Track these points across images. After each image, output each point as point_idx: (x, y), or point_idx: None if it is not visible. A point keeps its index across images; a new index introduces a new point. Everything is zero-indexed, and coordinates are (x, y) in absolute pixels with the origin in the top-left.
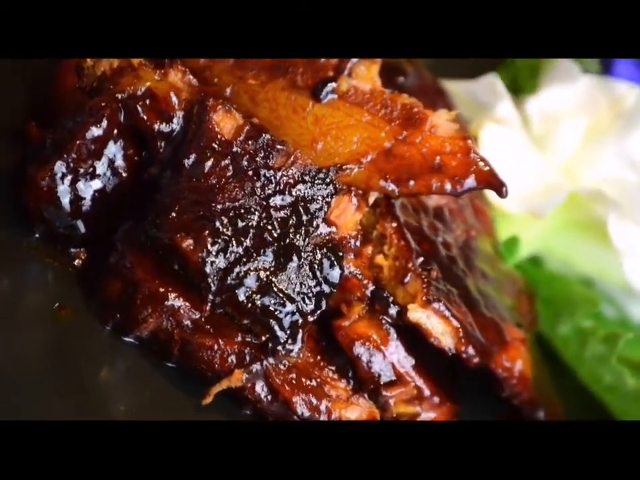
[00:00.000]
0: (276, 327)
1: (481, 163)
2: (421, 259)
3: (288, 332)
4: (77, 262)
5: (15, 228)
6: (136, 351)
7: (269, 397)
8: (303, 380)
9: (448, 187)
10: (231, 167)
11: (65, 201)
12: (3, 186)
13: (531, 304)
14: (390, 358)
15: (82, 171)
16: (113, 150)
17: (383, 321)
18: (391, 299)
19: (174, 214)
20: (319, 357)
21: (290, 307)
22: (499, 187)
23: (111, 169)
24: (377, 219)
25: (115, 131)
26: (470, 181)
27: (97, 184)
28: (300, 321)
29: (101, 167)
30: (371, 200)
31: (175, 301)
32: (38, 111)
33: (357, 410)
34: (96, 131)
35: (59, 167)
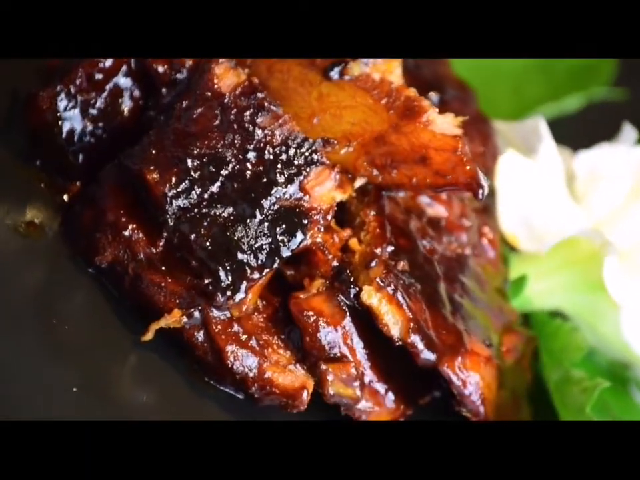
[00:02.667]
0: (220, 272)
1: (466, 163)
2: (392, 248)
3: (231, 279)
4: (69, 194)
5: (20, 154)
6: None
7: (206, 345)
8: (244, 336)
9: (429, 180)
10: (218, 118)
11: (62, 126)
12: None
13: (525, 345)
14: (337, 336)
15: (82, 99)
16: (119, 87)
17: (340, 300)
18: (352, 279)
19: (152, 149)
20: (270, 324)
21: (240, 256)
22: (477, 188)
23: (114, 105)
24: (363, 207)
25: (125, 68)
26: (451, 178)
27: (96, 116)
28: (247, 272)
29: (102, 100)
30: (357, 184)
31: (132, 233)
32: None
33: (290, 377)
34: (101, 62)
35: (60, 90)
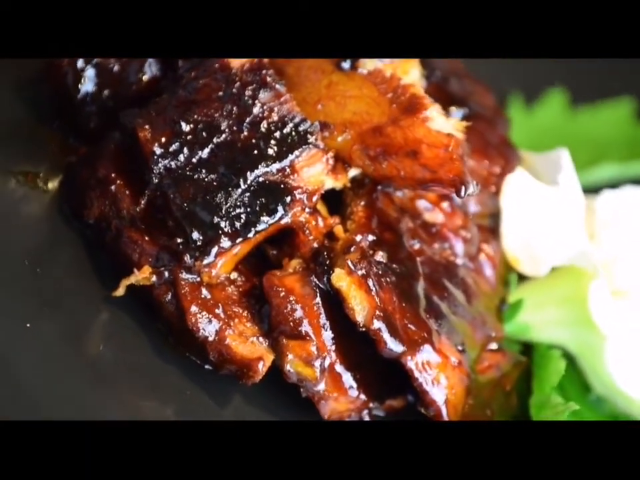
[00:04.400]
0: (193, 233)
1: (454, 161)
2: (374, 238)
3: (202, 241)
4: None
5: (40, 114)
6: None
7: (172, 305)
8: (211, 302)
9: (416, 174)
10: (222, 89)
11: (80, 87)
12: None
13: (511, 367)
14: (304, 315)
15: (99, 61)
16: None
17: (313, 281)
18: (327, 262)
19: (152, 111)
20: (244, 299)
21: (215, 221)
22: (460, 186)
23: (132, 73)
24: (355, 198)
25: None
26: (437, 175)
27: (113, 82)
28: (220, 238)
29: (119, 66)
30: (351, 174)
31: (118, 189)
32: None
33: (250, 348)
34: None
35: None
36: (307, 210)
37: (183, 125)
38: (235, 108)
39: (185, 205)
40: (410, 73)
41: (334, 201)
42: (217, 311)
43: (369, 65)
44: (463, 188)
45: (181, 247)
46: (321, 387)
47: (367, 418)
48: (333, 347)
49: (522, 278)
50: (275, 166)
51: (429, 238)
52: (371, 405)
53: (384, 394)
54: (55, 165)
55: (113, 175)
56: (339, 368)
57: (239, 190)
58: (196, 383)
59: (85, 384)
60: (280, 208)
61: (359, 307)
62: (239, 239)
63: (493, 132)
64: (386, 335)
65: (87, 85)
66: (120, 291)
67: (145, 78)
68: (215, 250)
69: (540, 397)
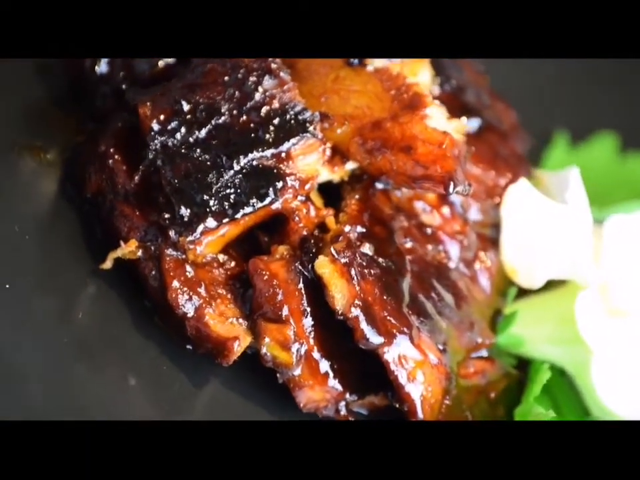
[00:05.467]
0: (181, 209)
1: (447, 159)
2: (363, 230)
3: (188, 217)
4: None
5: (58, 95)
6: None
7: (156, 280)
8: (194, 280)
9: (408, 169)
10: (227, 74)
11: (96, 70)
12: None
13: (499, 377)
14: (285, 300)
15: None
16: None
17: (298, 268)
18: (314, 250)
19: (158, 92)
20: (230, 282)
21: (204, 199)
22: (448, 182)
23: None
24: (353, 192)
25: None
26: (429, 171)
27: (129, 66)
28: (206, 216)
29: None
30: (348, 167)
31: (115, 164)
32: None
33: (228, 328)
34: None
35: None
36: (299, 198)
37: (184, 104)
38: (237, 92)
39: (176, 181)
40: (419, 73)
41: (334, 197)
42: (199, 289)
43: (377, 62)
44: (452, 184)
45: (167, 222)
46: (297, 373)
47: (343, 410)
48: (312, 334)
49: (523, 292)
50: (271, 151)
51: (422, 238)
52: (347, 396)
53: (364, 389)
54: (63, 144)
55: (111, 150)
56: (316, 355)
57: (232, 171)
58: (174, 361)
59: (68, 355)
60: (271, 192)
61: (339, 294)
62: (226, 219)
63: (505, 145)
64: (363, 325)
65: (103, 66)
66: (107, 264)
67: (160, 63)
68: (200, 227)
69: (525, 406)
